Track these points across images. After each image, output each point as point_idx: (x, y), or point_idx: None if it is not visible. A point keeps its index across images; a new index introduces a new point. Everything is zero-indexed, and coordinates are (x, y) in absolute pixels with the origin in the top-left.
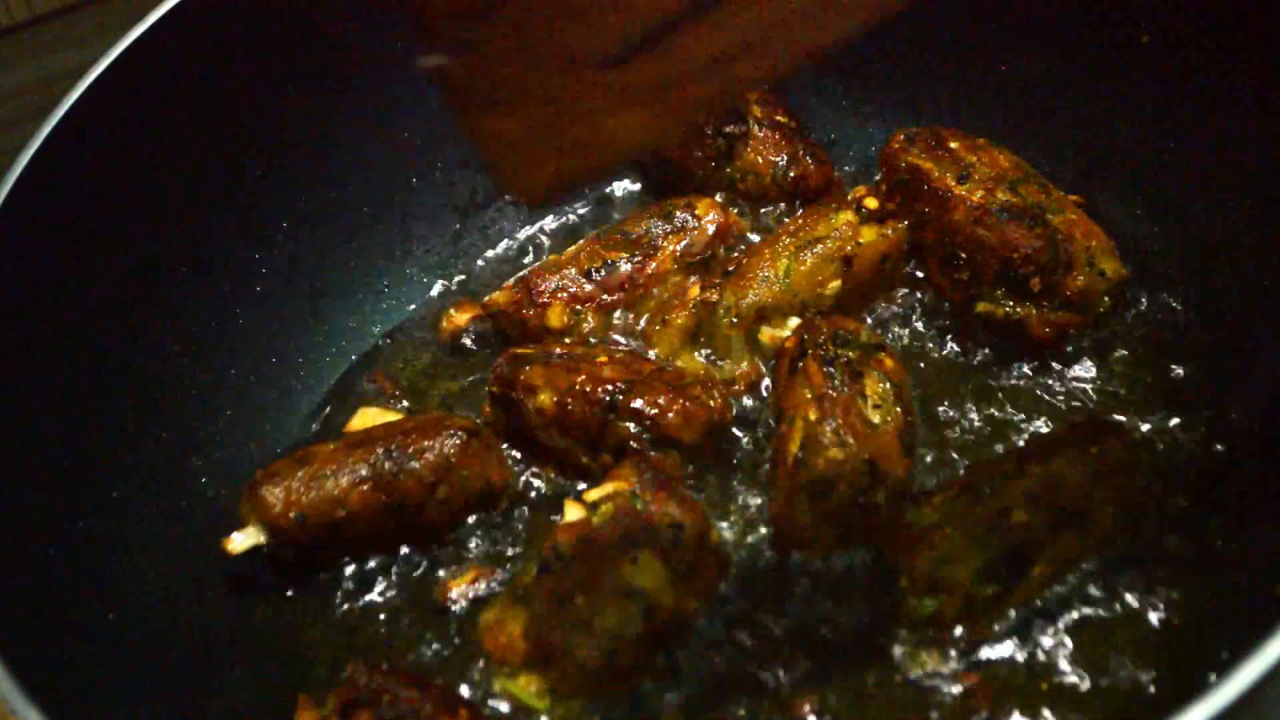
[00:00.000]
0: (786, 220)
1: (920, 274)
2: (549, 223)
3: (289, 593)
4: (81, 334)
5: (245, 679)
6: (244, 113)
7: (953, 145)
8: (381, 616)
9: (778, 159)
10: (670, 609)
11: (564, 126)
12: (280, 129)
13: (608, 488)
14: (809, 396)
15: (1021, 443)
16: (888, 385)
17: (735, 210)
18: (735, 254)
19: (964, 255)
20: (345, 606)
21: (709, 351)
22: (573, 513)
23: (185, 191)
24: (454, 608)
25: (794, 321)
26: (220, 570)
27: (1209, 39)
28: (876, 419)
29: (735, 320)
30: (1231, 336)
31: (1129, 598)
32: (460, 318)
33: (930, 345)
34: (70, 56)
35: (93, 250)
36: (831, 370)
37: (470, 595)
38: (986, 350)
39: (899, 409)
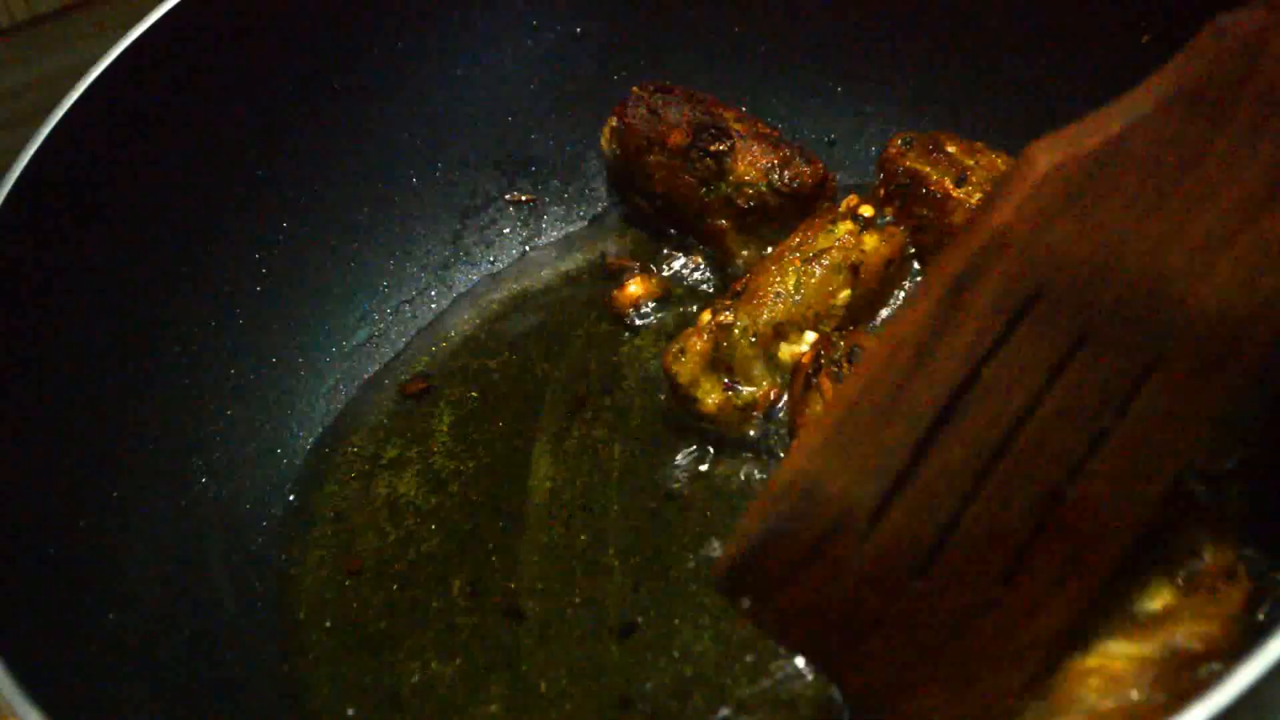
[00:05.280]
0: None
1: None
2: (548, 226)
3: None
4: (81, 334)
5: (246, 679)
6: (244, 113)
7: (950, 149)
8: (386, 623)
9: (769, 164)
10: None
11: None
12: (280, 129)
13: None
14: (821, 411)
15: None
16: None
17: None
18: (742, 275)
19: None
20: None
21: (728, 378)
22: None
23: (185, 191)
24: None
25: (810, 336)
26: (221, 570)
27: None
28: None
29: (754, 339)
30: None
31: None
32: (635, 290)
33: None
34: (70, 56)
35: (92, 250)
36: None
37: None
38: None
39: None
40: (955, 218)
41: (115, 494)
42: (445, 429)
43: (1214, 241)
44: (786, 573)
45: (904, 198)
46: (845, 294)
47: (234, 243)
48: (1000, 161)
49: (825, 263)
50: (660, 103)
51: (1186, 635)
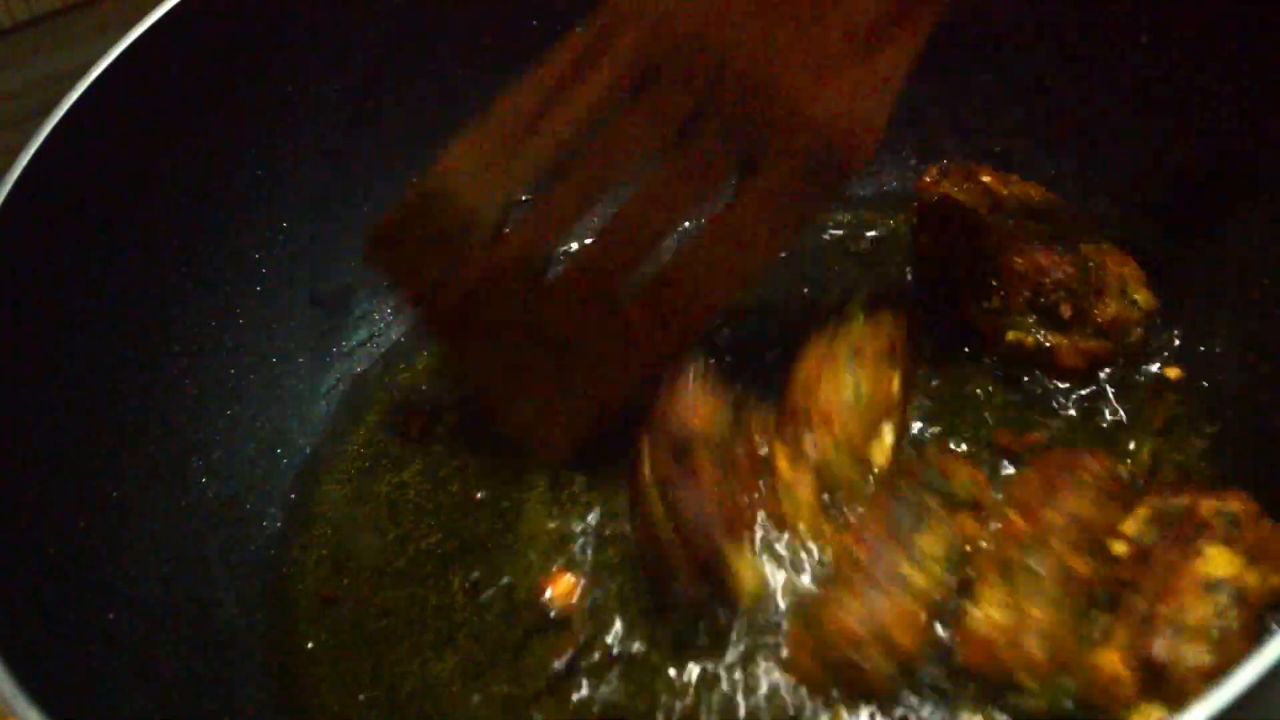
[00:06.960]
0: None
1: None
2: None
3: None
4: (81, 334)
5: (246, 679)
6: (244, 113)
7: (984, 179)
8: (386, 622)
9: None
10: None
11: (574, 397)
12: (280, 129)
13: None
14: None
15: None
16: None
17: None
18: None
19: (995, 283)
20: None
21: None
22: None
23: (185, 191)
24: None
25: (887, 428)
26: (221, 570)
27: (1210, 45)
28: (909, 571)
29: (849, 456)
30: (1271, 375)
31: None
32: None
33: (954, 380)
34: (70, 56)
35: (93, 250)
36: (902, 510)
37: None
38: (1013, 387)
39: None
40: (987, 242)
41: (115, 494)
42: (445, 429)
43: (827, 63)
44: (416, 253)
45: (937, 224)
46: (896, 378)
47: (234, 243)
48: (1034, 192)
49: (865, 355)
50: None
51: (1254, 582)
